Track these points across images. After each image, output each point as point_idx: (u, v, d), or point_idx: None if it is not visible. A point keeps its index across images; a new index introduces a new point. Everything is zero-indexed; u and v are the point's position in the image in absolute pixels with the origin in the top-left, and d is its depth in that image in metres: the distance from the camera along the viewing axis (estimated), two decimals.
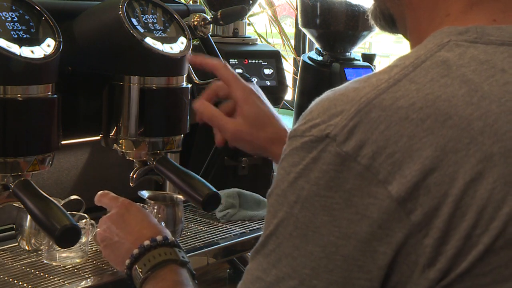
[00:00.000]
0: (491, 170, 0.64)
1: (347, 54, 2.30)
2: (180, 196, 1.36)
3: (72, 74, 1.24)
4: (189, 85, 1.30)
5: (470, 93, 0.67)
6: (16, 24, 1.05)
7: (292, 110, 2.44)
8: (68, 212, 1.05)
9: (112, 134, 1.26)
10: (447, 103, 0.66)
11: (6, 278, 1.17)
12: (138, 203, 1.25)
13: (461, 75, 0.68)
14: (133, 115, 1.23)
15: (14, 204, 1.18)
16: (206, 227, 1.49)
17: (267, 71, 1.90)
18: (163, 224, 1.29)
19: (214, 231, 1.46)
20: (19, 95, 1.03)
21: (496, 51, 0.70)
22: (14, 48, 1.02)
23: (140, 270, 1.06)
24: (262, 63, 1.90)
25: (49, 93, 1.08)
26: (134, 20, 1.21)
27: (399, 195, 0.64)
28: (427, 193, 0.64)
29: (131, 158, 1.29)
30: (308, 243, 0.66)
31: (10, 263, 1.23)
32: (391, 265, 0.65)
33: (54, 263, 1.22)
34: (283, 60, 1.98)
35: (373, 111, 0.66)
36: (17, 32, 1.04)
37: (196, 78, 1.47)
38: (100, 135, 1.28)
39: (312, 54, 2.36)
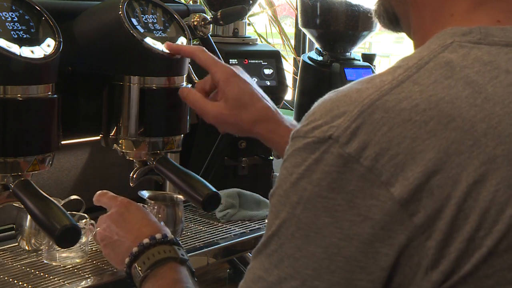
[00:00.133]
0: (494, 172, 0.64)
1: (347, 54, 2.30)
2: (180, 196, 1.36)
3: (72, 74, 1.24)
4: (189, 85, 1.30)
5: (474, 95, 0.67)
6: (16, 24, 1.05)
7: (292, 110, 2.44)
8: (68, 212, 1.05)
9: (112, 134, 1.26)
10: (451, 105, 0.66)
11: (6, 278, 1.17)
12: (138, 203, 1.26)
13: (465, 77, 0.68)
14: (133, 115, 1.23)
15: (14, 204, 1.18)
16: (206, 227, 1.49)
17: (267, 71, 1.90)
18: (162, 224, 1.29)
19: (214, 231, 1.46)
20: (19, 95, 1.03)
21: (500, 52, 0.70)
22: (14, 48, 1.02)
23: (139, 269, 1.06)
24: (262, 63, 1.90)
25: (49, 93, 1.08)
26: (134, 20, 1.21)
27: (402, 197, 0.64)
28: (430, 196, 0.64)
29: (131, 158, 1.29)
30: (310, 244, 0.66)
31: (10, 263, 1.23)
32: (394, 266, 0.65)
33: (54, 263, 1.22)
34: (283, 60, 1.98)
35: (376, 113, 0.66)
36: (17, 32, 1.04)
37: (196, 78, 1.47)
38: (100, 135, 1.28)
39: (312, 54, 2.36)
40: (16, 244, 1.29)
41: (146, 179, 1.33)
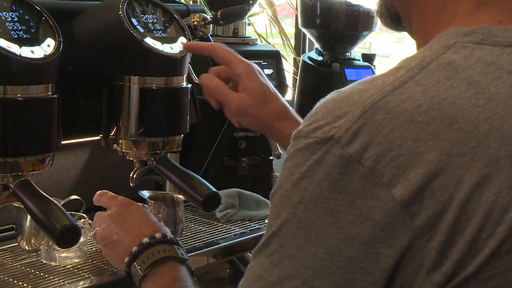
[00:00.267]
0: (497, 173, 0.64)
1: (347, 54, 2.30)
2: (181, 196, 1.36)
3: (72, 74, 1.24)
4: (189, 85, 1.30)
5: (477, 96, 0.66)
6: (16, 24, 1.05)
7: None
8: (68, 212, 1.05)
9: (112, 134, 1.26)
10: (453, 106, 0.66)
11: (6, 278, 1.17)
12: (138, 203, 1.26)
13: (467, 77, 0.68)
14: (133, 115, 1.23)
15: (14, 204, 1.18)
16: (206, 227, 1.49)
17: (267, 71, 1.90)
18: (162, 224, 1.29)
19: (214, 231, 1.46)
20: (19, 95, 1.03)
21: (503, 52, 0.70)
22: (14, 48, 1.02)
23: (139, 268, 1.06)
24: (262, 63, 1.90)
25: (49, 93, 1.08)
26: (134, 20, 1.21)
27: (403, 198, 0.64)
28: (432, 197, 0.64)
29: (131, 158, 1.29)
30: (311, 244, 0.66)
31: (10, 263, 1.23)
32: (395, 268, 0.65)
33: (53, 263, 1.22)
34: (283, 60, 1.98)
35: (378, 114, 0.66)
36: (17, 32, 1.04)
37: (196, 78, 1.47)
38: (100, 135, 1.28)
39: (312, 54, 2.36)
40: (16, 244, 1.29)
41: (146, 179, 1.33)
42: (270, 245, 0.70)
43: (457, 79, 0.67)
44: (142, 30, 1.21)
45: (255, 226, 1.52)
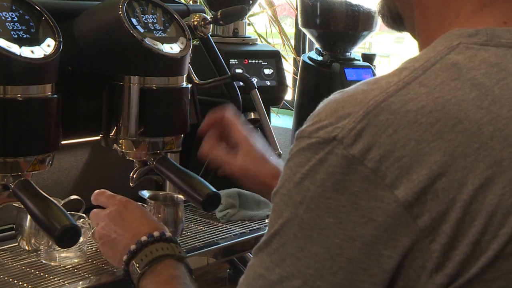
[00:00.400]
0: (501, 175, 0.64)
1: (347, 54, 2.30)
2: (181, 196, 1.36)
3: (72, 74, 1.24)
4: (189, 85, 1.30)
5: (481, 97, 0.66)
6: (16, 24, 1.05)
7: (292, 110, 2.44)
8: (68, 212, 1.05)
9: (112, 134, 1.26)
10: (457, 107, 0.66)
11: (6, 278, 1.17)
12: (138, 203, 1.26)
13: (472, 78, 0.67)
14: (133, 115, 1.23)
15: (14, 204, 1.18)
16: (206, 227, 1.49)
17: (267, 71, 1.89)
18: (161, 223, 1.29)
19: (214, 231, 1.46)
20: (19, 95, 1.03)
21: (507, 53, 0.70)
22: (14, 48, 1.02)
23: (137, 266, 1.07)
24: (262, 63, 1.90)
25: (49, 93, 1.08)
26: (134, 20, 1.21)
27: (406, 199, 0.64)
28: (435, 198, 0.64)
29: (131, 158, 1.29)
30: (312, 244, 0.66)
31: (10, 263, 1.23)
32: (398, 269, 0.65)
33: (52, 263, 1.22)
34: (283, 60, 1.98)
35: (381, 114, 0.66)
36: (17, 32, 1.04)
37: (196, 78, 1.48)
38: (100, 135, 1.28)
39: (312, 54, 2.36)
40: (16, 244, 1.29)
41: (146, 179, 1.33)
42: (272, 244, 0.69)
43: (461, 80, 0.67)
44: (142, 30, 1.21)
45: (255, 226, 1.52)
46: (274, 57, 1.92)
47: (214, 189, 1.24)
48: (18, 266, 1.22)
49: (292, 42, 3.08)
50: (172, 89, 1.25)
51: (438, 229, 0.64)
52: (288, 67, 2.79)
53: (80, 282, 1.16)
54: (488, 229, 0.63)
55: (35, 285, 1.14)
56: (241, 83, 1.56)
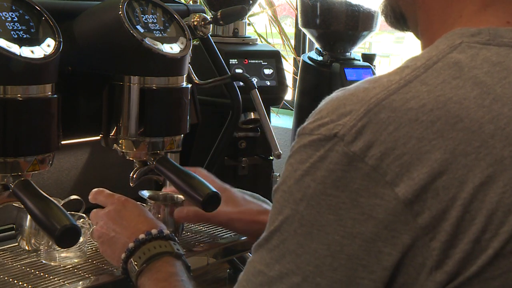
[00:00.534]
0: (501, 174, 0.64)
1: (347, 54, 2.30)
2: (181, 196, 1.36)
3: (72, 74, 1.24)
4: (189, 85, 1.30)
5: (482, 96, 0.66)
6: (16, 24, 1.05)
7: (292, 110, 2.44)
8: (68, 212, 1.05)
9: (112, 134, 1.26)
10: (459, 105, 0.66)
11: (6, 278, 1.16)
12: (137, 202, 1.26)
13: (473, 77, 0.68)
14: (133, 115, 1.23)
15: (14, 204, 1.18)
16: (206, 227, 1.49)
17: (267, 71, 1.89)
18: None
19: (214, 231, 1.46)
20: (19, 95, 1.03)
21: (509, 53, 0.70)
22: (14, 48, 1.01)
23: (135, 263, 1.07)
24: (262, 63, 1.90)
25: (49, 93, 1.08)
26: (134, 20, 1.21)
27: (406, 197, 0.64)
28: (435, 196, 0.64)
29: (131, 158, 1.29)
30: (312, 241, 0.67)
31: (10, 263, 1.23)
32: (397, 266, 0.65)
33: (52, 263, 1.22)
34: (283, 60, 1.98)
35: (383, 112, 0.66)
36: (17, 32, 1.04)
37: (196, 78, 1.47)
38: (100, 135, 1.28)
39: (312, 54, 2.36)
40: (16, 244, 1.29)
41: (146, 179, 1.33)
42: (272, 240, 0.70)
43: (463, 79, 0.67)
44: (142, 30, 1.21)
45: None
46: (274, 57, 1.92)
47: (214, 189, 1.24)
48: (18, 266, 1.22)
49: (292, 42, 3.08)
50: (172, 89, 1.25)
51: (438, 227, 0.64)
52: (288, 67, 2.79)
53: (80, 282, 1.16)
54: (489, 228, 0.63)
55: (35, 285, 1.14)
56: (241, 83, 1.56)
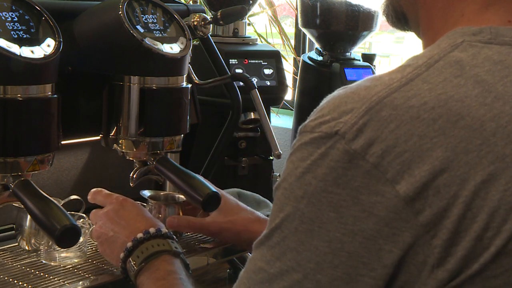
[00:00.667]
0: (503, 171, 0.64)
1: (347, 54, 2.30)
2: (182, 196, 1.36)
3: (72, 74, 1.24)
4: (189, 85, 1.30)
5: (484, 94, 0.67)
6: (16, 24, 1.05)
7: (292, 110, 2.44)
8: (68, 212, 1.05)
9: (112, 134, 1.26)
10: (460, 104, 0.66)
11: (6, 278, 1.16)
12: (137, 201, 1.26)
13: (475, 76, 0.68)
14: (133, 115, 1.23)
15: (14, 204, 1.18)
16: None
17: (267, 71, 1.89)
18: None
19: None
20: (19, 95, 1.03)
21: (510, 51, 0.70)
22: (14, 48, 1.01)
23: (133, 263, 1.08)
24: (262, 63, 1.90)
25: (49, 93, 1.08)
26: (134, 20, 1.21)
27: (407, 194, 0.64)
28: (436, 194, 0.64)
29: (131, 158, 1.29)
30: (313, 238, 0.67)
31: (10, 263, 1.23)
32: (399, 264, 0.65)
33: (52, 263, 1.22)
34: (283, 60, 1.98)
35: (384, 110, 0.66)
36: (17, 32, 1.04)
37: (196, 78, 1.47)
38: (100, 135, 1.28)
39: (312, 54, 2.36)
40: (16, 244, 1.29)
41: (146, 179, 1.33)
42: (273, 237, 0.70)
43: (464, 77, 0.68)
44: (142, 30, 1.21)
45: None
46: (274, 57, 1.92)
47: (214, 189, 1.25)
48: (18, 266, 1.22)
49: (292, 42, 3.08)
50: (172, 89, 1.25)
51: (440, 224, 0.64)
52: (288, 67, 2.79)
53: (80, 282, 1.16)
54: (491, 225, 0.64)
55: (35, 285, 1.14)
56: (241, 83, 1.56)
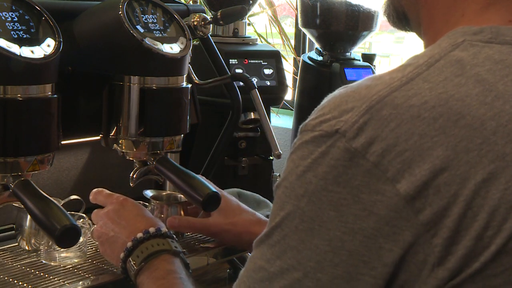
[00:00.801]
0: (503, 170, 0.64)
1: (347, 54, 2.30)
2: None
3: (72, 74, 1.24)
4: (189, 85, 1.30)
5: (484, 93, 0.67)
6: (16, 24, 1.05)
7: (292, 110, 2.44)
8: (68, 212, 1.05)
9: (112, 134, 1.26)
10: (460, 103, 0.66)
11: (6, 278, 1.16)
12: (138, 201, 1.26)
13: (475, 75, 0.68)
14: (133, 115, 1.23)
15: (14, 204, 1.18)
16: None
17: (267, 71, 1.89)
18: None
19: None
20: (19, 95, 1.03)
21: (511, 51, 0.70)
22: (14, 48, 1.02)
23: (133, 262, 1.08)
24: (262, 63, 1.90)
25: (49, 93, 1.08)
26: (134, 20, 1.21)
27: (408, 193, 0.64)
28: (437, 193, 0.64)
29: (131, 158, 1.29)
30: (313, 236, 0.67)
31: (10, 263, 1.23)
32: (399, 263, 0.65)
33: (52, 263, 1.22)
34: (283, 60, 1.98)
35: (385, 109, 0.66)
36: (17, 32, 1.04)
37: (196, 78, 1.47)
38: (100, 135, 1.28)
39: (312, 54, 2.36)
40: (16, 244, 1.29)
41: (146, 179, 1.33)
42: (273, 236, 0.70)
43: (465, 76, 0.68)
44: (142, 30, 1.21)
45: None
46: (274, 57, 1.92)
47: (214, 189, 1.25)
48: (18, 266, 1.22)
49: (292, 42, 3.08)
50: (172, 89, 1.25)
51: (440, 223, 0.64)
52: (288, 67, 2.79)
53: (80, 282, 1.16)
54: (491, 224, 0.64)
55: (35, 285, 1.14)
56: (241, 83, 1.56)
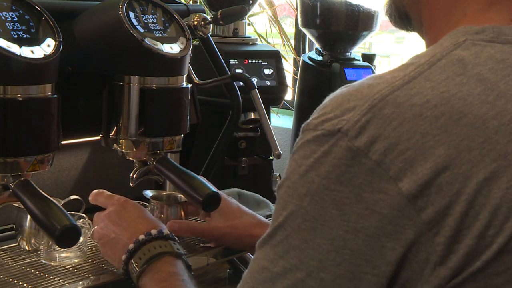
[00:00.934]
0: (505, 169, 0.64)
1: (347, 54, 2.30)
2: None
3: (72, 74, 1.24)
4: (189, 85, 1.30)
5: (486, 92, 0.67)
6: (16, 24, 1.05)
7: (292, 110, 2.44)
8: (68, 212, 1.05)
9: (112, 134, 1.26)
10: (462, 102, 0.66)
11: (6, 278, 1.16)
12: (138, 201, 1.26)
13: (477, 74, 0.68)
14: (133, 115, 1.23)
15: (14, 204, 1.18)
16: None
17: (267, 71, 1.89)
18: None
19: None
20: (19, 95, 1.03)
21: None
22: (14, 48, 1.01)
23: (136, 264, 1.07)
24: (262, 63, 1.90)
25: (49, 93, 1.08)
26: (134, 20, 1.21)
27: (410, 192, 0.64)
28: (439, 192, 0.64)
29: (131, 158, 1.29)
30: (316, 236, 0.67)
31: (10, 263, 1.23)
32: (401, 262, 0.65)
33: (52, 263, 1.22)
34: (283, 60, 1.98)
35: (387, 108, 0.66)
36: (17, 32, 1.04)
37: (196, 78, 1.47)
38: (100, 135, 1.28)
39: (312, 54, 2.36)
40: (16, 244, 1.29)
41: (146, 179, 1.33)
42: (276, 236, 0.70)
43: (466, 75, 0.68)
44: (142, 30, 1.21)
45: None
46: (274, 57, 1.92)
47: (214, 189, 1.25)
48: (18, 266, 1.22)
49: (292, 42, 3.08)
50: (172, 89, 1.25)
51: (442, 222, 0.64)
52: (288, 67, 2.79)
53: (80, 282, 1.16)
54: (493, 223, 0.64)
55: (35, 285, 1.14)
56: (241, 83, 1.56)
